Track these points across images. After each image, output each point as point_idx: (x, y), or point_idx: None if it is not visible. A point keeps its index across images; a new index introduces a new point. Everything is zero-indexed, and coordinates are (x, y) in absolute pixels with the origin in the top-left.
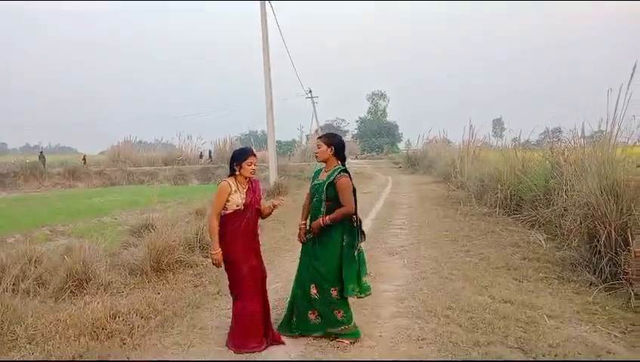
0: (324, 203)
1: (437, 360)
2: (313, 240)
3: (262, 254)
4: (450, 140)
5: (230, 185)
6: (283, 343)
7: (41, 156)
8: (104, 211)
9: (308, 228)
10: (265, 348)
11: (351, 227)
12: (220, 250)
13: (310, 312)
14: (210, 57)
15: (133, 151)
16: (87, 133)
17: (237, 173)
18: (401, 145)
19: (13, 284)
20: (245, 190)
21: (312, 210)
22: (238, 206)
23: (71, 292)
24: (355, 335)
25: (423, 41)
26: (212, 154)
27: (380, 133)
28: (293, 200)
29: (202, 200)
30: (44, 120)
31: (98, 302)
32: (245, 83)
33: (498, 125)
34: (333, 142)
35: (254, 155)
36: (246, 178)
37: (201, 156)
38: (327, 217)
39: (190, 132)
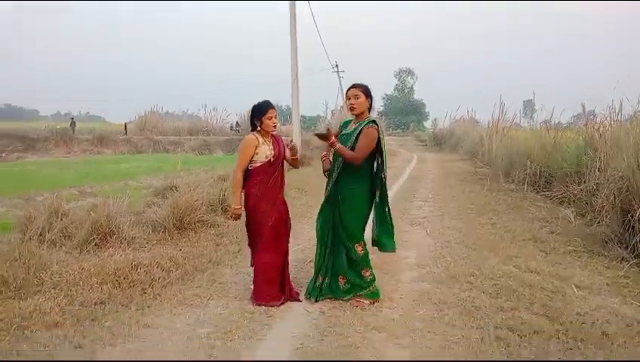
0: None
1: (441, 360)
2: (335, 198)
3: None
4: (478, 120)
5: (257, 138)
6: (299, 300)
7: (72, 122)
8: (130, 176)
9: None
10: (282, 303)
11: (381, 187)
12: (240, 206)
13: (340, 276)
14: (240, 32)
15: (160, 120)
16: (115, 102)
17: (259, 128)
18: (428, 124)
19: (40, 235)
20: (271, 143)
21: (334, 160)
22: (267, 157)
23: (95, 245)
24: (375, 296)
25: (454, 19)
26: (238, 124)
27: (406, 111)
28: (317, 172)
29: (225, 168)
30: (75, 89)
31: (121, 255)
32: (273, 62)
33: (529, 106)
34: (370, 93)
35: (273, 108)
36: (268, 133)
37: (231, 128)
38: (338, 144)
39: (216, 105)
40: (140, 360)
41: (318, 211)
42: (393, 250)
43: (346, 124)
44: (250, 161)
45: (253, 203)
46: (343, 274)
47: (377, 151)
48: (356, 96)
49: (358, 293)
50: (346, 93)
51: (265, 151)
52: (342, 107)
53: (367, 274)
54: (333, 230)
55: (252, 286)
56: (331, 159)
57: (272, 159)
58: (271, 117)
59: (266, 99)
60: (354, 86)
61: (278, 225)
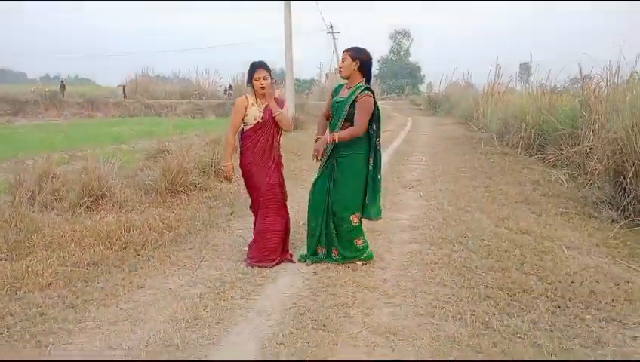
0: (340, 123)
1: (437, 359)
2: (332, 166)
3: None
4: (473, 83)
5: (247, 99)
6: (293, 261)
7: (62, 86)
8: (121, 140)
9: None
10: (275, 264)
11: (375, 154)
12: (231, 162)
13: (333, 249)
14: None
15: (151, 83)
16: (105, 65)
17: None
18: (423, 88)
19: (31, 198)
20: (264, 105)
21: (332, 124)
22: (256, 119)
23: (87, 207)
24: (368, 258)
25: None
26: (231, 88)
27: (401, 74)
28: (311, 136)
29: (218, 131)
30: (64, 50)
31: (113, 217)
32: (268, 22)
33: (525, 70)
34: (359, 56)
35: (262, 67)
36: (262, 95)
37: (225, 91)
38: (335, 134)
39: (207, 67)
40: (140, 360)
41: (312, 182)
42: (378, 217)
43: (337, 89)
44: (243, 122)
45: (245, 168)
46: (335, 246)
47: (373, 118)
48: (343, 60)
49: (352, 258)
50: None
51: (253, 113)
52: (336, 70)
53: (360, 242)
54: (326, 203)
55: (247, 248)
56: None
57: (259, 120)
58: (259, 77)
59: (262, 60)
60: (345, 50)
61: (274, 189)
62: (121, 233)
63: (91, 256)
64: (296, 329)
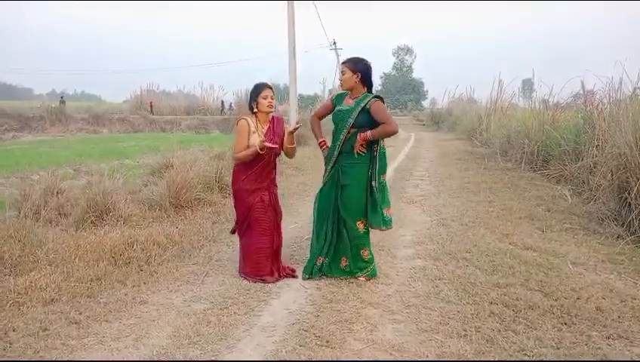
0: (346, 130)
1: (442, 360)
2: (338, 172)
3: (279, 195)
4: (476, 99)
5: (249, 124)
6: (295, 276)
7: (62, 101)
8: (126, 155)
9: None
10: (276, 281)
11: (375, 163)
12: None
13: (343, 257)
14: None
15: (156, 99)
16: (111, 81)
17: (255, 110)
18: (426, 103)
19: (36, 213)
20: (265, 130)
21: (333, 140)
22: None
23: (91, 222)
24: (372, 275)
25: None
26: (232, 105)
27: (404, 90)
28: (314, 151)
29: (222, 146)
30: (70, 67)
31: (117, 232)
32: (270, 40)
33: (527, 86)
34: (359, 67)
35: (269, 87)
36: (266, 114)
37: (222, 110)
38: (369, 132)
39: (212, 83)
40: (137, 360)
41: (317, 192)
42: (382, 227)
43: (340, 98)
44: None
45: (239, 189)
46: (346, 255)
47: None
48: (342, 72)
49: (356, 275)
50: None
51: (254, 141)
52: (339, 85)
53: (366, 253)
54: (335, 210)
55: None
56: (329, 141)
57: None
58: (266, 96)
59: (265, 81)
60: (344, 61)
61: (266, 209)
62: (125, 248)
63: (95, 272)
64: (300, 346)
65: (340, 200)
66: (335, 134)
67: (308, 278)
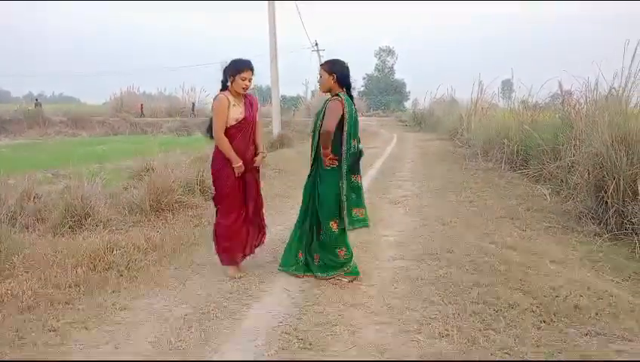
0: (317, 133)
1: (442, 360)
2: (315, 177)
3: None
4: (457, 99)
5: (228, 99)
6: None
7: (37, 104)
8: (106, 158)
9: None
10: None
11: (346, 160)
12: (242, 161)
13: (315, 254)
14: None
15: (137, 101)
16: (90, 83)
17: (229, 85)
18: (408, 104)
19: (12, 218)
20: (242, 104)
21: (312, 140)
22: (236, 120)
23: (69, 227)
24: (353, 274)
25: None
26: (195, 107)
27: (386, 91)
28: (297, 153)
29: (204, 149)
30: (48, 69)
31: (96, 237)
32: (251, 39)
33: (507, 86)
34: (334, 69)
35: (250, 69)
36: (239, 93)
37: (193, 108)
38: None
39: (194, 84)
40: (138, 360)
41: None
42: (352, 227)
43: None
44: None
45: (218, 165)
46: (317, 252)
47: (344, 123)
48: (320, 75)
49: (335, 274)
50: None
51: (234, 115)
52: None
53: (342, 253)
54: (312, 209)
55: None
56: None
57: (241, 120)
58: (245, 78)
59: (248, 59)
60: (321, 64)
61: (246, 187)
62: (105, 253)
63: (73, 278)
64: (282, 349)
65: (317, 199)
66: (313, 136)
67: (283, 271)
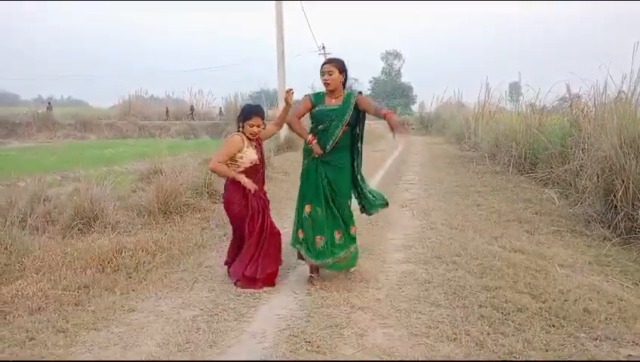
0: (341, 128)
1: (441, 360)
2: (319, 161)
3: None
4: (464, 103)
5: (243, 141)
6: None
7: (49, 107)
8: (115, 161)
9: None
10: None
11: (358, 156)
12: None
13: (336, 231)
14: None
15: (145, 105)
16: (98, 86)
17: (241, 129)
18: (415, 108)
19: (22, 220)
20: (255, 145)
21: (323, 136)
22: (252, 162)
23: (79, 229)
24: (354, 260)
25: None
26: (221, 110)
27: (393, 95)
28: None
29: (211, 151)
30: (57, 73)
31: (105, 239)
32: (259, 41)
33: (515, 89)
34: (344, 68)
35: (259, 116)
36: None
37: (192, 111)
38: (394, 116)
39: (201, 87)
40: (139, 360)
41: (302, 175)
42: (376, 209)
43: (318, 97)
44: (235, 163)
45: (231, 207)
46: (339, 228)
47: (360, 122)
48: (330, 72)
49: (345, 254)
50: (321, 68)
51: (250, 156)
52: (325, 85)
53: (353, 230)
54: (320, 189)
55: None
56: (318, 139)
57: (257, 163)
58: (253, 125)
59: (258, 104)
60: (329, 61)
61: (261, 222)
62: (113, 255)
63: (83, 279)
64: (290, 352)
65: (334, 184)
66: (325, 131)
67: (320, 261)
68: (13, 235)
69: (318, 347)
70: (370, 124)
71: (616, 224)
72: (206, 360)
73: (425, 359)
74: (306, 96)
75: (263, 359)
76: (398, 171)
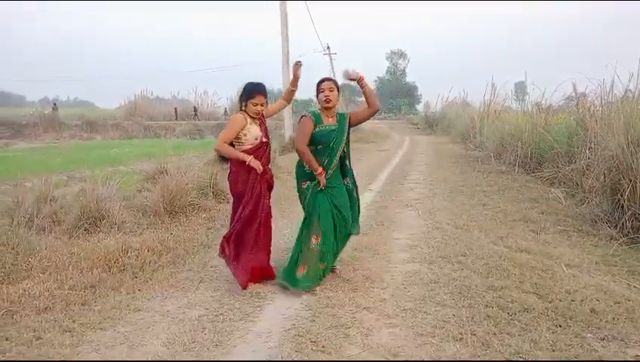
0: (342, 147)
1: (442, 360)
2: (329, 190)
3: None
4: (469, 102)
5: (245, 118)
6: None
7: (54, 108)
8: (120, 161)
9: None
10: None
11: (351, 175)
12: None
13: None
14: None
15: (150, 105)
16: (104, 87)
17: (244, 108)
18: (420, 107)
19: (29, 220)
20: (259, 123)
21: (325, 154)
22: (257, 138)
23: (85, 229)
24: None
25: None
26: (226, 110)
27: (398, 94)
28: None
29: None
30: (63, 74)
31: (111, 239)
32: (264, 42)
33: (520, 89)
34: (339, 87)
35: (261, 94)
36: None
37: (195, 112)
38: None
39: (207, 88)
40: (138, 360)
41: (307, 203)
42: (358, 232)
43: (318, 117)
44: (238, 142)
45: (237, 183)
46: (338, 252)
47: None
48: (331, 89)
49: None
50: (320, 85)
51: (254, 133)
52: (325, 101)
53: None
54: (334, 218)
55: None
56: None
57: (263, 140)
58: (256, 103)
59: (261, 82)
60: (328, 79)
61: (264, 208)
62: (119, 255)
63: (89, 279)
64: (295, 351)
65: (349, 201)
66: (328, 152)
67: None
68: (20, 235)
69: (324, 347)
70: (369, 122)
71: (623, 223)
72: (211, 359)
73: (431, 359)
74: (305, 116)
75: (269, 359)
76: (403, 170)
